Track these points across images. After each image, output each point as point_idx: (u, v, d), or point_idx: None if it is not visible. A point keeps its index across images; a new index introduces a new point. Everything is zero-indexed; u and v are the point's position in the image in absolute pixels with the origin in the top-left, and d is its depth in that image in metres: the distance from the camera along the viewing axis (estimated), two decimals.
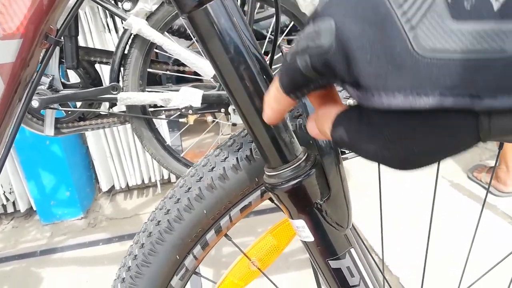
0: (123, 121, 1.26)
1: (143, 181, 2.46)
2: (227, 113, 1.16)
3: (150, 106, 1.23)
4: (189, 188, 0.49)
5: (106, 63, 1.24)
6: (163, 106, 1.17)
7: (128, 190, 2.53)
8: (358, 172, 2.47)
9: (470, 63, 0.19)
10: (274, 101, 0.30)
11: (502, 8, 0.19)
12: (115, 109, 1.28)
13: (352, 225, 0.48)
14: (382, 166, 0.27)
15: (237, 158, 0.47)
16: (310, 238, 0.42)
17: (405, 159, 0.24)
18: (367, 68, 0.22)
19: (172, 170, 1.32)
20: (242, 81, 0.36)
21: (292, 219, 0.42)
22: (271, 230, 0.53)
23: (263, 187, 0.49)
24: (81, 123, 1.27)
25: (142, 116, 1.21)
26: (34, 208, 2.31)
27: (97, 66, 1.33)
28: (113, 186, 2.48)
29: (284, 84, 0.28)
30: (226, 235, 0.53)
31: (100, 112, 1.30)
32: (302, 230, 0.42)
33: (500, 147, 0.64)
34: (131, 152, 2.36)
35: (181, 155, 1.33)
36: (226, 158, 0.48)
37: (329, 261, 0.42)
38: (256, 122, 0.38)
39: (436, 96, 0.20)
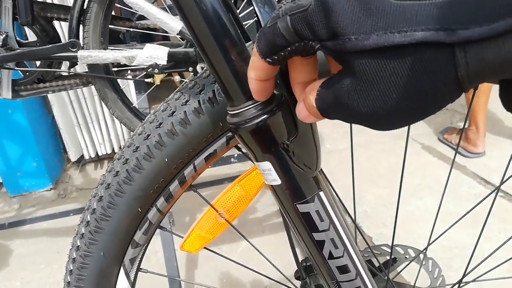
0: (86, 82, 1.19)
1: (113, 150, 2.39)
2: (195, 72, 1.11)
3: (114, 66, 1.16)
4: (148, 135, 0.45)
5: (65, 20, 1.16)
6: (127, 65, 1.11)
7: (98, 159, 2.46)
8: (331, 134, 2.48)
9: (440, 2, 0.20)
10: (254, 70, 0.31)
11: None
12: (78, 70, 1.21)
13: (322, 171, 0.46)
14: (355, 129, 0.26)
15: (199, 101, 0.43)
16: (277, 181, 0.39)
17: (386, 113, 0.24)
18: (344, 16, 0.23)
19: None
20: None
21: (258, 161, 0.39)
22: (238, 180, 0.51)
23: (229, 133, 0.46)
24: (41, 85, 1.20)
25: (106, 76, 1.14)
26: (0, 180, 2.22)
27: (56, 24, 1.25)
28: (82, 156, 2.41)
29: (261, 48, 0.28)
30: (191, 186, 0.50)
31: (61, 73, 1.23)
32: (269, 173, 0.39)
33: (469, 107, 0.63)
34: (99, 121, 2.28)
35: None
36: (187, 101, 0.44)
37: (297, 205, 0.40)
38: (217, 54, 0.35)
39: (409, 32, 0.21)
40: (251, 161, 0.41)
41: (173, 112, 0.44)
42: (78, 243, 0.50)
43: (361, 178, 1.99)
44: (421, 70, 0.22)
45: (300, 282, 0.64)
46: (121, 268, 0.52)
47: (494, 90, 2.66)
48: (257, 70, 0.31)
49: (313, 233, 0.42)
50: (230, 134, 0.46)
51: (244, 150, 0.42)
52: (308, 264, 0.63)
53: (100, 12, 1.08)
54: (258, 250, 0.62)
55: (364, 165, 2.12)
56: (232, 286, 1.46)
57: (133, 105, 1.22)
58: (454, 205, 1.72)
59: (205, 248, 0.53)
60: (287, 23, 0.26)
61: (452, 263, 1.43)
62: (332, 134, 2.49)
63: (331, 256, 0.43)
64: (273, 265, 0.61)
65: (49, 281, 1.60)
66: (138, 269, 0.55)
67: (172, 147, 0.45)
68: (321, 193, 0.41)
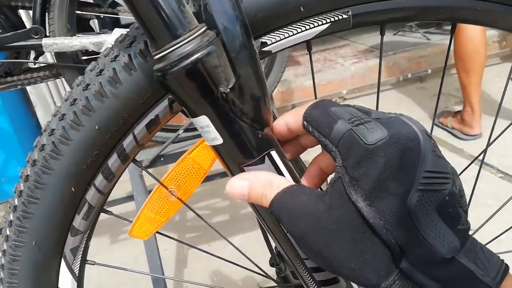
0: (56, 73, 1.13)
1: None
2: (186, 115, 1.05)
3: (84, 54, 1.10)
4: (75, 100, 0.39)
5: (30, 8, 1.10)
6: (97, 53, 1.04)
7: None
8: None
9: (421, 239, 0.26)
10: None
11: (461, 231, 0.28)
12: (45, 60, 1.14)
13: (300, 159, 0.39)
14: None
15: (129, 55, 0.37)
16: (218, 139, 0.33)
17: (318, 248, 0.28)
18: (374, 180, 0.27)
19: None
20: None
21: (194, 116, 0.33)
22: (189, 152, 0.44)
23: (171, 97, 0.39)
24: (8, 78, 1.13)
25: (74, 66, 1.08)
26: None
27: (22, 13, 1.18)
28: None
29: (307, 114, 0.32)
30: (134, 161, 0.44)
31: (29, 66, 1.17)
32: (207, 130, 0.33)
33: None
34: None
35: None
36: (116, 56, 0.38)
37: (245, 168, 0.34)
38: None
39: (390, 235, 0.27)
40: (187, 116, 0.35)
41: (101, 71, 0.38)
42: (8, 232, 0.44)
43: None
44: (368, 255, 0.28)
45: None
46: (62, 260, 0.46)
47: (489, 72, 2.59)
48: (282, 123, 0.35)
49: None
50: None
51: (179, 105, 0.35)
52: None
53: None
54: (230, 242, 0.56)
55: None
56: (223, 284, 1.40)
57: None
58: None
59: (157, 232, 0.47)
60: (344, 131, 0.29)
61: None
62: None
63: None
64: (247, 257, 0.55)
65: None
66: (84, 261, 0.48)
67: (102, 112, 0.38)
68: (273, 152, 0.34)
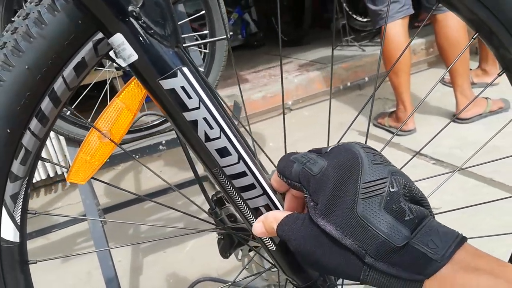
0: None
1: (48, 175, 2.27)
2: (110, 59, 1.09)
3: None
4: (5, 43, 0.43)
5: None
6: None
7: (33, 188, 2.33)
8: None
9: (376, 236, 0.33)
10: (273, 180, 0.45)
11: (409, 221, 0.33)
12: None
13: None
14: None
15: None
16: (133, 56, 0.38)
17: (310, 260, 0.37)
18: (326, 201, 0.35)
19: (60, 131, 1.23)
20: None
21: (111, 36, 0.38)
22: (117, 95, 0.49)
23: (95, 37, 0.44)
24: None
25: None
26: None
27: None
28: None
29: (279, 167, 0.41)
30: (66, 106, 0.48)
31: None
32: (124, 47, 0.38)
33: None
34: (51, 139, 2.17)
35: (67, 113, 1.24)
36: (40, 0, 0.42)
37: (160, 82, 0.39)
38: None
39: (349, 240, 0.34)
40: (107, 36, 0.40)
41: (27, 14, 0.42)
42: None
43: None
44: (340, 259, 0.35)
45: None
46: (3, 207, 0.48)
47: (418, 77, 2.82)
48: (273, 180, 0.44)
49: (184, 114, 0.41)
50: (96, 38, 0.44)
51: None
52: (218, 197, 0.62)
53: (1, 3, 1.04)
54: (175, 189, 0.59)
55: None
56: (179, 285, 1.40)
57: None
58: None
59: (93, 178, 0.50)
60: (299, 170, 0.38)
61: None
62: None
63: (207, 138, 0.42)
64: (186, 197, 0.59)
65: None
66: (25, 210, 0.50)
67: (31, 52, 0.42)
68: (185, 69, 0.40)
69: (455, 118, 2.14)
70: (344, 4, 3.53)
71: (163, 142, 1.31)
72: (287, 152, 0.42)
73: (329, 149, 0.39)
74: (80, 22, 0.42)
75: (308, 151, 0.41)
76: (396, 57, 2.06)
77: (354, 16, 3.72)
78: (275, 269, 0.68)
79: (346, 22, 3.58)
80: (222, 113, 0.42)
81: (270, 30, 4.64)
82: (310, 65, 3.27)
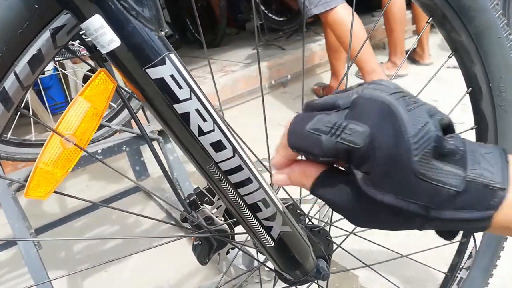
0: None
1: None
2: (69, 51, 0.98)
3: None
4: None
5: None
6: None
7: None
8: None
9: (437, 189, 0.30)
10: (278, 152, 0.37)
11: (460, 159, 0.31)
12: None
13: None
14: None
15: None
16: (115, 41, 0.33)
17: (363, 224, 0.35)
18: (379, 172, 0.31)
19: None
20: None
21: (85, 19, 0.32)
22: (81, 93, 0.42)
23: (54, 26, 0.38)
24: None
25: None
26: None
27: None
28: None
29: (293, 144, 0.34)
30: (19, 108, 0.40)
31: None
32: (103, 32, 0.33)
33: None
34: None
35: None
36: None
37: (147, 70, 0.35)
38: None
39: (413, 204, 0.31)
40: (79, 21, 0.34)
41: None
42: None
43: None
44: (399, 222, 0.33)
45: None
46: None
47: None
48: (281, 158, 0.36)
49: (174, 106, 0.36)
50: (55, 25, 0.38)
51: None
52: (191, 199, 0.57)
53: None
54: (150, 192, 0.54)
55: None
56: None
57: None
58: None
59: (55, 192, 0.44)
60: (332, 145, 0.31)
61: None
62: None
63: (201, 132, 0.38)
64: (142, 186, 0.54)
65: None
66: None
67: None
68: (172, 56, 0.36)
69: None
70: (260, 5, 3.59)
71: (99, 151, 1.19)
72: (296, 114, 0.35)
73: (347, 99, 0.32)
74: (36, 6, 0.36)
75: (314, 103, 0.34)
76: (341, 37, 2.15)
77: (270, 15, 3.80)
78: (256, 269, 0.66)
79: (264, 22, 3.64)
80: (211, 104, 0.39)
81: (185, 32, 4.56)
82: (233, 65, 3.26)
